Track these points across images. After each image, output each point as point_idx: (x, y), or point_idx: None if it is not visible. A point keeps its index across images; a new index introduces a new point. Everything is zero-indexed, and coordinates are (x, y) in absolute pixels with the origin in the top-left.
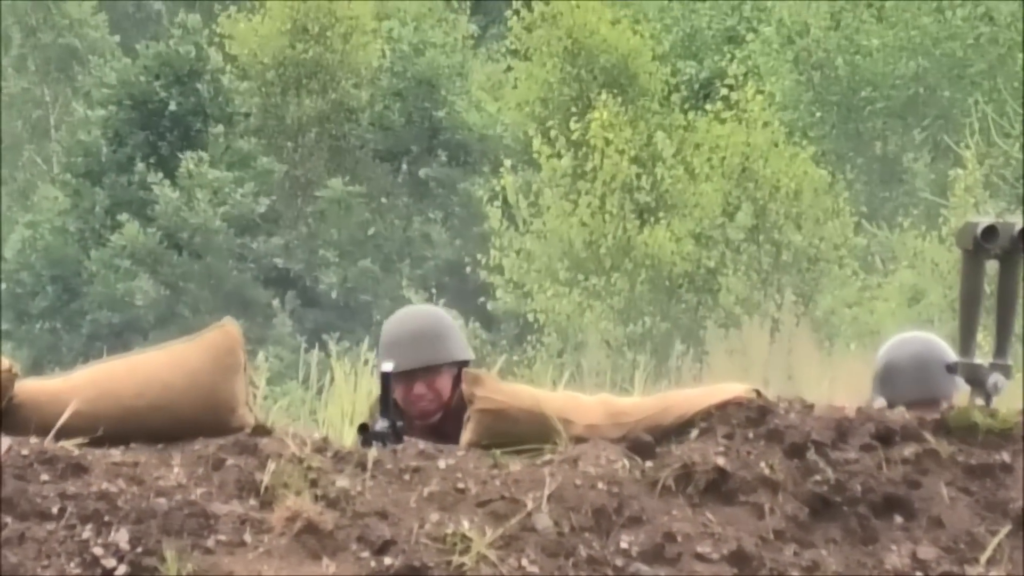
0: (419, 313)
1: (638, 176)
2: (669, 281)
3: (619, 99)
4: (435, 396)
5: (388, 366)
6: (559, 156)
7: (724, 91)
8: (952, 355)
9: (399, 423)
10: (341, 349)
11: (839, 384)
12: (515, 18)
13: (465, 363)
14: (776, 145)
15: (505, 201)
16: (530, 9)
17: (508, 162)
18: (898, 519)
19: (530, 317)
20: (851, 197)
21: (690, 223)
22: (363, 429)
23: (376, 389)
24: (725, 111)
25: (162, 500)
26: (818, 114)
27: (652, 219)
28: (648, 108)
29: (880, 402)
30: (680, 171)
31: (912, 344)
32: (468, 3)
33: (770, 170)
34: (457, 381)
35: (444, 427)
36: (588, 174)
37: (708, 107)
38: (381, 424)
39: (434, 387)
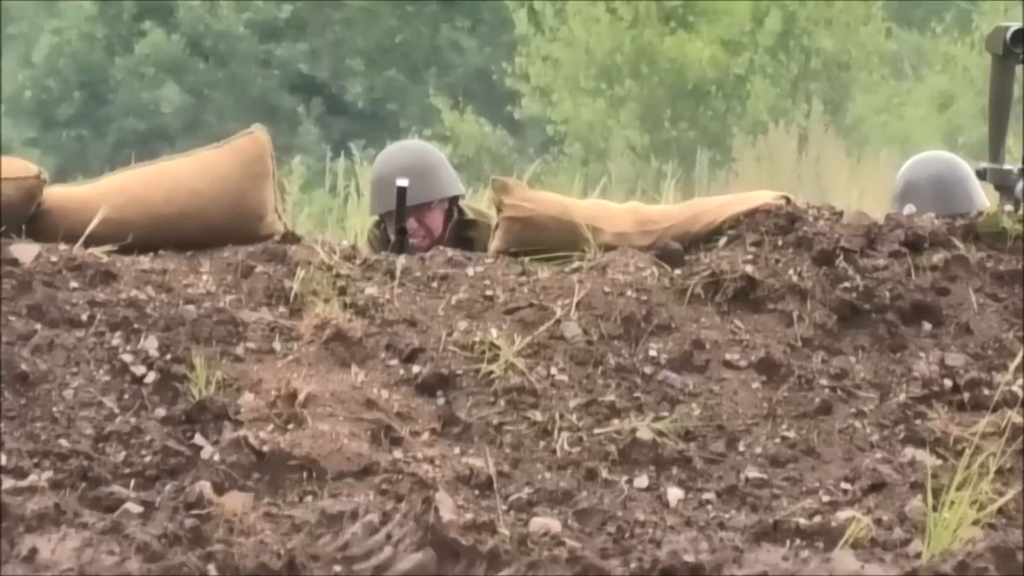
0: (408, 150)
1: None
2: (696, 88)
3: None
4: (427, 232)
5: (403, 181)
6: None
7: None
8: (971, 173)
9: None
10: (367, 157)
11: (868, 191)
12: None
13: (456, 198)
14: None
15: (532, 8)
16: None
17: None
18: (926, 326)
19: (555, 125)
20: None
21: (719, 29)
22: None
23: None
24: None
25: (191, 307)
26: None
27: (680, 26)
28: None
29: (909, 208)
30: None
31: (932, 163)
32: None
33: None
34: (448, 216)
35: None
36: None
37: None
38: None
39: (425, 223)
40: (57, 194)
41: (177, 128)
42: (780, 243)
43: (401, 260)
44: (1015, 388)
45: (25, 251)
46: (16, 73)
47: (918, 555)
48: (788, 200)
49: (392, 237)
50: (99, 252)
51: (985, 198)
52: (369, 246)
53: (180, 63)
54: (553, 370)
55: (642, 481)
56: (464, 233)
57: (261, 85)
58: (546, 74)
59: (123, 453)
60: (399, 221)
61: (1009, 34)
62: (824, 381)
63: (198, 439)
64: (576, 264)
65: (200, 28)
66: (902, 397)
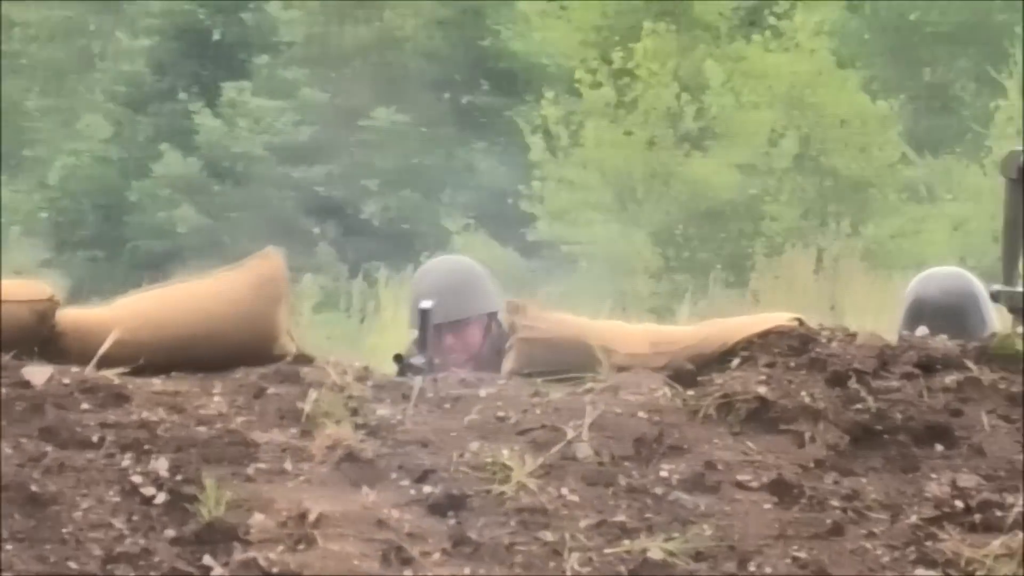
0: (450, 264)
1: (684, 105)
2: (711, 208)
3: (673, 28)
4: (464, 348)
5: (428, 303)
6: (600, 86)
7: (772, 19)
8: (982, 288)
9: (436, 360)
10: (383, 278)
11: (885, 314)
12: None
13: (494, 314)
14: (821, 73)
15: (548, 131)
16: None
17: (550, 93)
18: (939, 447)
19: (570, 246)
20: (900, 126)
21: (735, 151)
22: (398, 359)
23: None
24: (773, 40)
25: (203, 428)
26: (866, 36)
27: (697, 148)
28: (699, 38)
29: (922, 330)
30: (728, 100)
31: (942, 279)
32: None
33: (817, 98)
34: (486, 332)
35: None
36: (630, 104)
37: (756, 36)
38: (417, 359)
39: (463, 339)
40: (71, 316)
41: (193, 250)
42: (793, 364)
43: (416, 382)
44: None
45: (38, 373)
46: (32, 194)
47: None
48: (801, 322)
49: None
50: (111, 374)
51: (995, 316)
52: (409, 351)
53: (197, 184)
54: (564, 490)
55: None
56: (503, 346)
57: (278, 207)
58: (561, 196)
59: (132, 574)
60: (422, 346)
61: (1023, 159)
62: (836, 502)
63: (207, 560)
64: (589, 385)
65: (217, 150)
66: (914, 518)
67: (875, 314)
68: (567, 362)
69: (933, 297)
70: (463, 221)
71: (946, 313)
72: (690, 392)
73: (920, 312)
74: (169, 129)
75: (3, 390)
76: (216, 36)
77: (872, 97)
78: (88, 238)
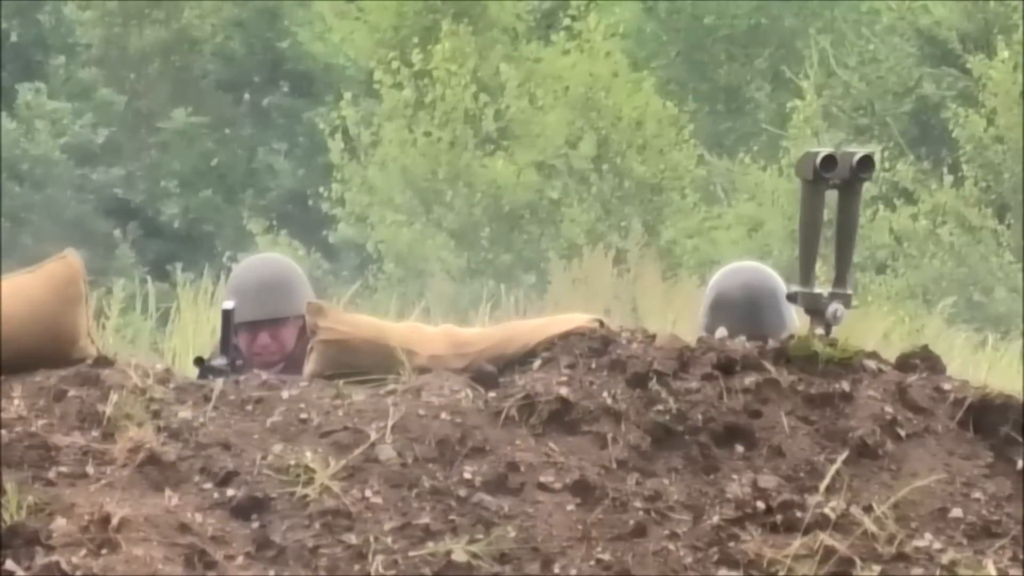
0: (268, 263)
1: (483, 107)
2: (511, 211)
3: (470, 29)
4: (279, 348)
5: (229, 304)
6: (400, 87)
7: (567, 21)
8: (781, 285)
9: (239, 361)
10: (184, 280)
11: (682, 314)
12: None
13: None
14: (616, 75)
15: (347, 133)
16: None
17: (348, 94)
18: (739, 448)
19: (371, 248)
20: (694, 127)
21: (533, 153)
22: (199, 362)
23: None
24: (569, 41)
25: (3, 432)
26: (664, 38)
27: (495, 149)
28: (497, 39)
29: (721, 332)
30: (524, 102)
31: (742, 274)
32: None
33: (612, 100)
34: (301, 332)
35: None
36: (429, 105)
37: (553, 38)
38: (219, 361)
39: (279, 338)
40: None
41: None
42: (594, 365)
43: (217, 384)
44: (826, 510)
45: None
46: None
47: None
48: (601, 323)
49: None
50: None
51: (793, 312)
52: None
53: None
54: (368, 493)
55: None
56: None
57: (77, 209)
58: (361, 198)
59: None
60: (224, 347)
61: (819, 159)
62: (639, 503)
63: (9, 564)
64: (391, 387)
65: (16, 151)
66: (716, 519)
67: (674, 315)
68: (368, 364)
69: (732, 292)
70: (265, 223)
71: (745, 308)
72: (492, 394)
73: (720, 307)
74: None
75: None
76: (13, 38)
77: (667, 99)
78: None
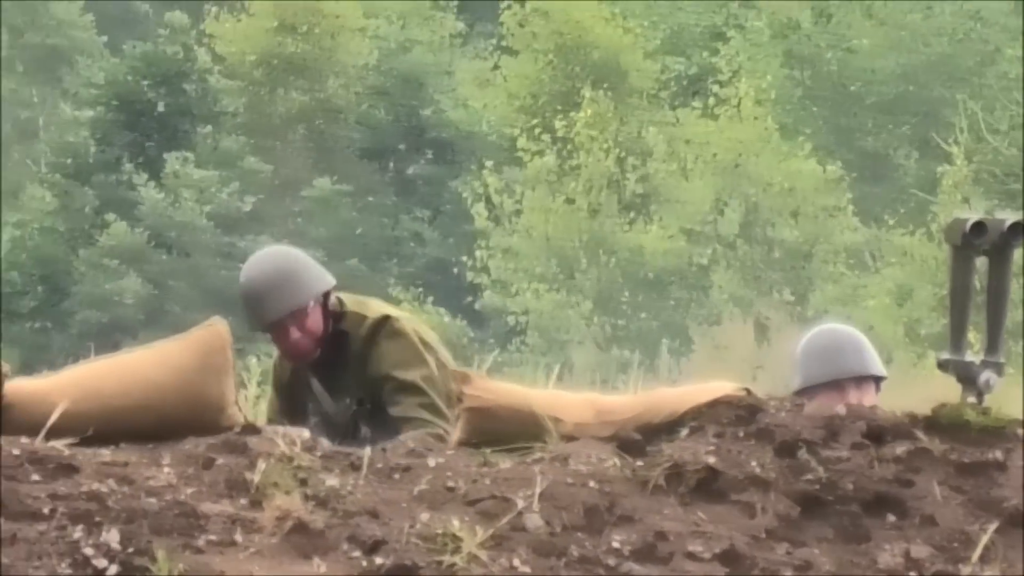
0: (270, 261)
1: (626, 171)
2: (656, 277)
3: (609, 95)
4: (311, 335)
5: (330, 280)
6: (542, 154)
7: (715, 88)
8: (864, 340)
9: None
10: None
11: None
12: (507, 13)
13: (328, 292)
14: (765, 141)
15: (490, 200)
16: (522, 5)
17: (490, 162)
18: (890, 517)
19: (516, 316)
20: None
21: (681, 219)
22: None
23: None
24: (717, 107)
25: (152, 500)
26: (814, 108)
27: (640, 215)
28: (638, 105)
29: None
30: (672, 167)
31: (826, 334)
32: (455, 1)
33: (763, 166)
34: (325, 311)
35: (327, 358)
36: (571, 171)
37: (696, 103)
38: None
39: (305, 328)
40: (18, 388)
41: (139, 319)
42: (742, 434)
43: (366, 452)
44: None
45: None
46: None
47: None
48: (748, 391)
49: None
50: (60, 445)
51: (880, 364)
52: (273, 372)
53: (143, 254)
54: (516, 561)
55: None
56: (338, 326)
57: (223, 276)
58: (505, 266)
59: None
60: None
61: (968, 226)
62: (788, 573)
63: None
64: (537, 455)
65: (162, 219)
66: None
67: None
68: (514, 431)
69: (818, 349)
70: (410, 290)
71: (830, 363)
72: (639, 462)
73: (808, 363)
74: (114, 200)
75: None
76: (160, 108)
77: (824, 165)
78: (34, 309)
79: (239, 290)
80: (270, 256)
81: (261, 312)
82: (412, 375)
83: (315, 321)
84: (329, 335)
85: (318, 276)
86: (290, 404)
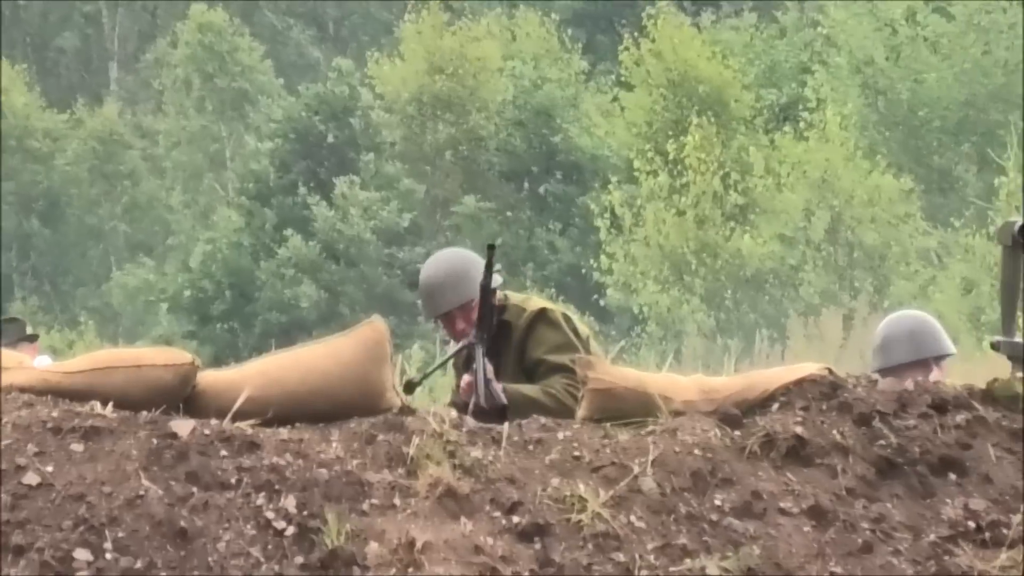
0: (444, 262)
1: (729, 187)
2: (754, 276)
3: (712, 122)
4: (471, 324)
5: (498, 279)
6: (656, 174)
7: (804, 114)
8: (937, 325)
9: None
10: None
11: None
12: (625, 53)
13: (491, 290)
14: (848, 159)
15: (613, 214)
16: (638, 46)
17: (615, 179)
18: (952, 476)
19: (636, 311)
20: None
21: (775, 226)
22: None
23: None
24: (806, 131)
25: (323, 471)
26: (887, 133)
27: (740, 224)
28: (737, 130)
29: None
30: (768, 182)
31: (905, 319)
32: (580, 44)
33: (845, 181)
34: (485, 302)
35: (492, 344)
36: (682, 188)
37: (788, 128)
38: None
39: (468, 317)
40: (209, 377)
41: (314, 320)
42: (825, 407)
43: (504, 428)
44: None
45: (183, 426)
46: (176, 276)
47: None
48: (831, 371)
49: (446, 336)
50: (245, 426)
51: (952, 346)
52: (456, 356)
53: (316, 264)
54: (633, 518)
55: None
56: (502, 317)
57: (386, 283)
58: (627, 269)
59: None
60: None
61: (1016, 227)
62: (866, 525)
63: None
64: (650, 428)
65: (333, 234)
66: (932, 537)
67: None
68: (631, 409)
69: (899, 333)
70: (547, 292)
71: (910, 345)
72: (737, 433)
73: (888, 347)
74: (291, 218)
75: (154, 441)
76: (329, 138)
77: (897, 177)
78: (224, 312)
79: (420, 284)
80: (445, 257)
81: (433, 305)
82: (562, 359)
83: (473, 313)
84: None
85: (473, 281)
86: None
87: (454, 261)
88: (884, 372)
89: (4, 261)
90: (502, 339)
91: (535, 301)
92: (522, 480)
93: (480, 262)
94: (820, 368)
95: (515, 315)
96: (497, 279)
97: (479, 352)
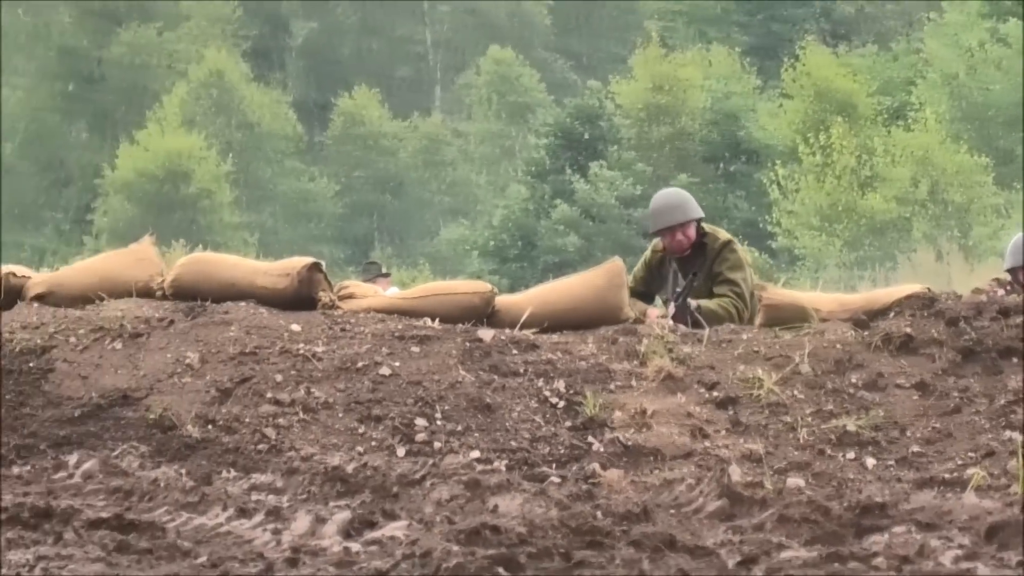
0: (671, 192)
1: (861, 164)
2: (880, 226)
3: (847, 120)
4: (688, 241)
5: (701, 212)
6: (813, 155)
7: (910, 114)
8: None
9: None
10: None
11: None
12: (786, 73)
13: (701, 219)
14: (942, 143)
15: (779, 184)
16: (794, 68)
17: (780, 160)
18: (1014, 360)
19: (796, 252)
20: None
21: (892, 190)
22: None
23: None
24: (913, 124)
25: (583, 363)
26: (967, 126)
27: (869, 189)
28: (864, 125)
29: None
30: (887, 159)
31: None
32: (755, 67)
33: (939, 158)
34: (698, 228)
35: (691, 257)
36: (829, 165)
37: (899, 123)
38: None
39: (687, 234)
40: (503, 300)
41: (576, 260)
42: (925, 314)
43: (705, 332)
44: None
45: (486, 333)
46: (483, 232)
47: (1016, 494)
48: (929, 290)
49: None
50: (528, 333)
51: None
52: (645, 256)
53: (576, 223)
54: (795, 392)
55: (850, 455)
56: (702, 240)
57: (624, 233)
58: (789, 221)
59: (547, 448)
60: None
61: None
62: (955, 394)
63: (590, 439)
64: (806, 331)
65: (588, 202)
66: (1002, 401)
67: (974, 285)
68: (792, 318)
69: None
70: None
71: None
72: (865, 332)
73: (1016, 251)
74: (560, 191)
75: (466, 344)
76: (585, 136)
77: (978, 157)
78: (516, 255)
79: (651, 207)
80: (674, 191)
81: (664, 218)
82: (735, 276)
83: (690, 232)
84: (695, 245)
85: (695, 208)
86: (651, 276)
87: (681, 193)
88: (1011, 271)
89: (367, 223)
90: (702, 255)
91: (723, 233)
92: (718, 367)
93: (694, 201)
94: (922, 288)
95: (711, 240)
96: (700, 212)
97: (688, 282)
